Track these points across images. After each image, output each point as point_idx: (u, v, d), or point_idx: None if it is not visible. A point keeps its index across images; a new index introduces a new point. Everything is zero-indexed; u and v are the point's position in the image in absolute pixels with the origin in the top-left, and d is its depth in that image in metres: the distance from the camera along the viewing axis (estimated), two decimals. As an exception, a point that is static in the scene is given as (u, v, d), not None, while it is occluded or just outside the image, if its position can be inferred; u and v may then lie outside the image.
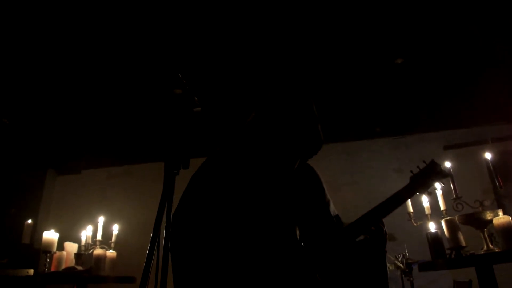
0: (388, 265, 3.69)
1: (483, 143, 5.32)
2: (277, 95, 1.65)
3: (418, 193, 1.75)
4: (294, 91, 1.67)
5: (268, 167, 1.59)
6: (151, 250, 1.19)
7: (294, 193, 1.62)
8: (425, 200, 3.32)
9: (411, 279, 3.47)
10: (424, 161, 1.80)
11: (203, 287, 1.38)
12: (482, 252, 2.71)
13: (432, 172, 1.75)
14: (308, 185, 1.70)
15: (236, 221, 1.47)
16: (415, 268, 3.43)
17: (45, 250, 3.72)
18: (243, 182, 1.54)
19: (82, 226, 4.25)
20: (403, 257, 3.59)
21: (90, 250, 3.98)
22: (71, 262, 3.84)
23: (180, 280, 1.36)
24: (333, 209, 1.73)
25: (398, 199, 1.67)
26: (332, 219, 1.69)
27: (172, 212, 1.27)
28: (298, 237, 1.52)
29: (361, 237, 1.66)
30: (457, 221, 2.87)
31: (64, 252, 3.89)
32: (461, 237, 2.83)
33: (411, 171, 1.77)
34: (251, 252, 1.43)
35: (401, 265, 3.53)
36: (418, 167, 1.77)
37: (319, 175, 1.79)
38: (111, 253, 3.97)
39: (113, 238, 4.16)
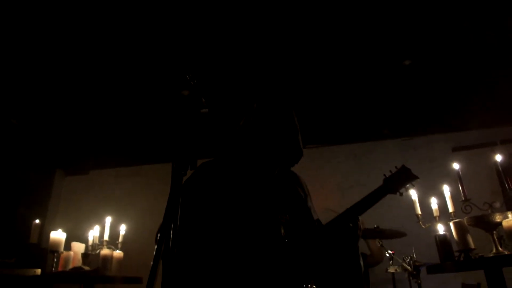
0: (395, 267, 3.67)
1: (492, 145, 5.27)
2: (261, 107, 1.78)
3: (390, 193, 1.92)
4: (277, 104, 1.78)
5: (251, 173, 1.73)
6: (158, 251, 1.19)
7: (277, 196, 1.72)
8: (433, 202, 3.29)
9: (419, 281, 3.44)
10: (396, 167, 1.99)
11: (192, 281, 1.48)
12: (491, 255, 2.67)
13: (404, 175, 1.94)
14: (291, 190, 1.82)
15: (224, 218, 1.58)
16: (423, 270, 3.41)
17: (52, 249, 3.74)
18: (231, 185, 1.67)
19: (89, 226, 4.27)
20: (411, 259, 3.56)
21: (97, 250, 3.99)
22: (78, 262, 3.86)
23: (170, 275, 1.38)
24: (315, 215, 1.85)
25: (373, 198, 1.82)
26: (314, 221, 1.80)
27: (179, 214, 1.28)
28: (282, 234, 1.61)
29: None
30: (466, 223, 2.84)
31: (71, 252, 3.91)
32: (470, 239, 2.80)
33: (384, 174, 1.95)
34: (239, 245, 1.54)
35: (408, 267, 3.50)
36: (390, 171, 1.96)
37: (302, 183, 1.92)
38: (118, 253, 3.98)
39: (120, 238, 4.17)
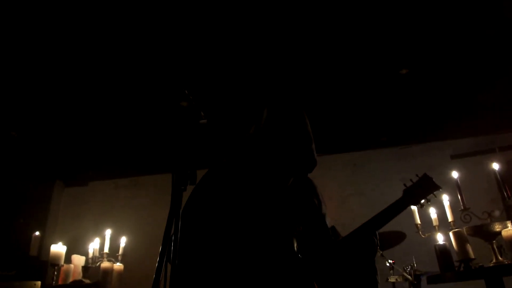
0: (396, 277, 3.67)
1: (490, 152, 5.29)
2: (272, 115, 1.69)
3: (411, 205, 1.76)
4: (289, 112, 1.71)
5: (263, 183, 1.62)
6: (159, 266, 1.18)
7: (291, 207, 1.64)
8: (432, 212, 3.29)
9: (420, 291, 3.44)
10: (417, 175, 1.81)
11: None
12: (491, 265, 2.68)
13: (425, 185, 1.76)
14: (305, 199, 1.73)
15: (234, 233, 1.50)
16: (424, 279, 3.40)
17: (53, 263, 3.73)
18: (241, 197, 1.57)
19: (90, 239, 4.26)
20: (411, 268, 3.56)
21: (97, 263, 3.98)
22: (79, 275, 3.85)
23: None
24: (329, 221, 1.77)
25: (392, 212, 1.68)
26: (328, 231, 1.72)
27: (180, 227, 1.27)
28: (295, 249, 1.55)
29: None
30: (465, 233, 2.84)
31: (72, 265, 3.89)
32: (469, 249, 2.80)
33: (404, 184, 1.78)
34: (249, 263, 1.45)
35: (409, 277, 3.50)
36: (411, 180, 1.79)
37: (316, 188, 1.82)
38: (118, 266, 3.97)
39: (121, 251, 4.15)
